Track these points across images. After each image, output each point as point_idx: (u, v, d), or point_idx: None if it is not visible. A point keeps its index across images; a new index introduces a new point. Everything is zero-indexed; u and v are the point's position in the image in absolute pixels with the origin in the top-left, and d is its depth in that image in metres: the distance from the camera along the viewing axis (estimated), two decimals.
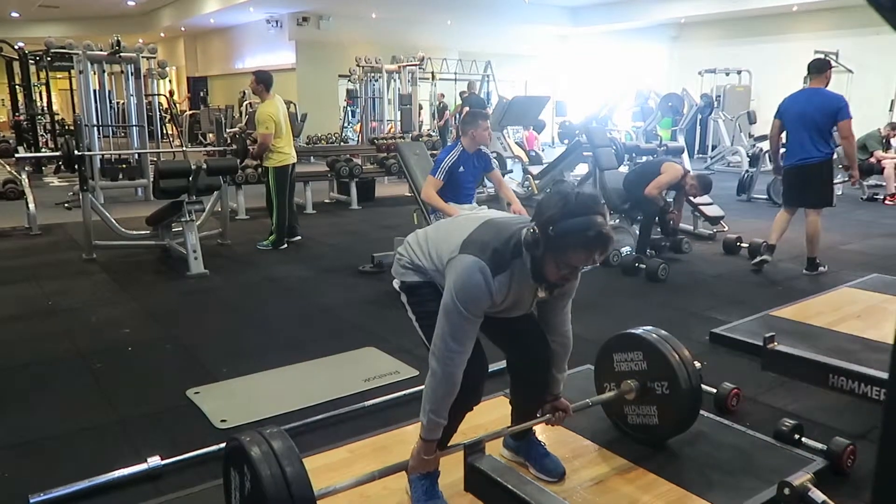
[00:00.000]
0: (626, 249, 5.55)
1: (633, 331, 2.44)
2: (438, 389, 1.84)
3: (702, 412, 2.70)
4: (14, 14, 18.61)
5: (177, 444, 2.51)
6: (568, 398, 2.25)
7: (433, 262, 1.95)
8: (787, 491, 2.02)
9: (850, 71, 13.70)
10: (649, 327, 2.46)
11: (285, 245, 6.11)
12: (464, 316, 1.79)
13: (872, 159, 8.97)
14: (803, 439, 2.43)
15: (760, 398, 2.95)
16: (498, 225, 1.92)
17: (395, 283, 2.09)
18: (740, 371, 3.21)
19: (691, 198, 5.80)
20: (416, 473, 1.98)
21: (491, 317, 1.94)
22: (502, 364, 2.38)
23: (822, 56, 5.19)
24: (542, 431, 2.42)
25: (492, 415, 2.56)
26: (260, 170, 6.45)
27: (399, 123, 11.88)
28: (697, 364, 2.32)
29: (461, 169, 4.18)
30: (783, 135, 5.13)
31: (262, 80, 5.96)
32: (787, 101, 5.03)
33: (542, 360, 2.11)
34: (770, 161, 5.32)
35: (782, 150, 5.29)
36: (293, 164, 6.14)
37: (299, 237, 6.39)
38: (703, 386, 2.90)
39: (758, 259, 5.25)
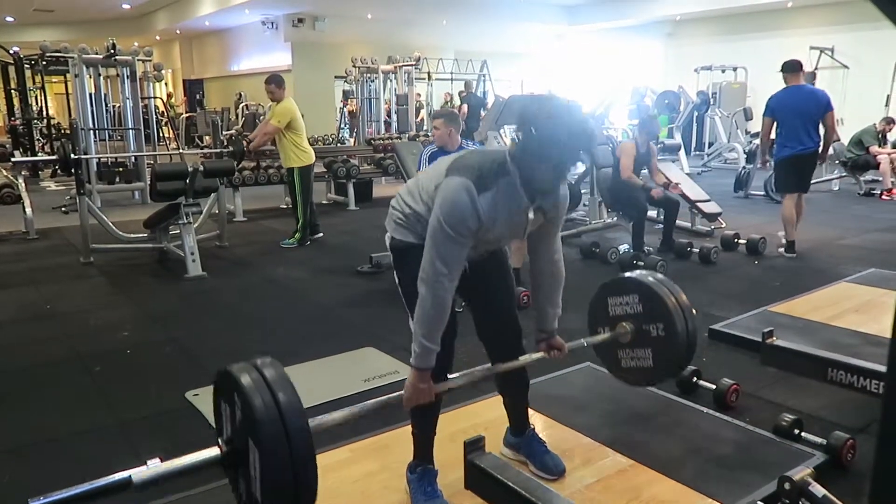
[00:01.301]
0: (624, 247, 5.55)
1: (629, 274, 2.43)
2: (428, 314, 1.83)
3: (701, 408, 2.72)
4: (9, 18, 18.57)
5: (176, 446, 2.51)
6: (559, 404, 2.26)
7: (424, 203, 1.93)
8: (787, 486, 2.03)
9: (845, 66, 13.73)
10: (645, 271, 2.45)
11: (308, 242, 6.23)
12: (450, 237, 1.79)
13: (868, 154, 8.98)
14: (803, 434, 2.44)
15: (760, 393, 2.96)
16: (482, 151, 2.08)
17: (387, 239, 2.08)
18: (739, 366, 3.21)
19: (655, 155, 5.84)
20: (411, 406, 1.91)
21: (471, 278, 1.99)
22: None
23: (798, 58, 5.56)
24: (542, 430, 2.43)
25: (491, 414, 2.56)
26: (283, 169, 6.59)
27: (395, 123, 11.89)
28: (694, 311, 2.30)
29: None
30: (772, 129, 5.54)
31: (280, 82, 6.05)
32: (779, 98, 5.38)
33: (508, 314, 2.15)
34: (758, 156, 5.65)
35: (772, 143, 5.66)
36: (314, 163, 6.24)
37: (321, 234, 6.52)
38: (703, 382, 2.93)
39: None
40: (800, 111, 5.25)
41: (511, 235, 2.01)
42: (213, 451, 1.62)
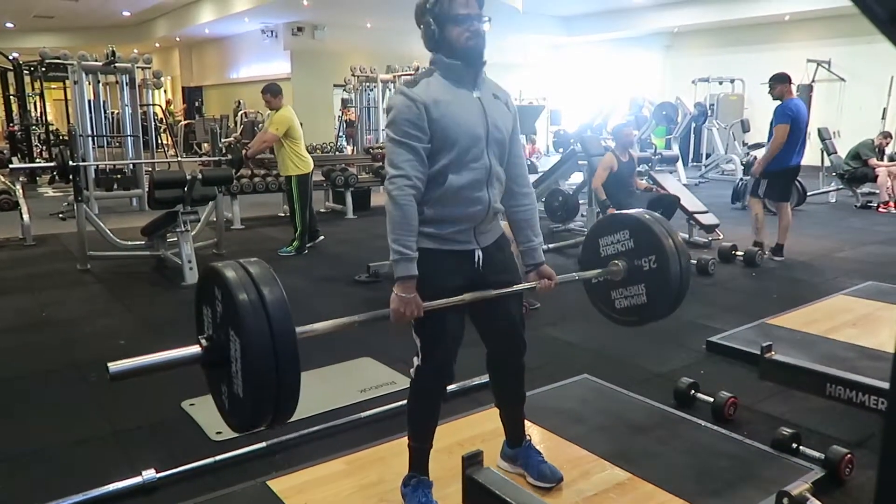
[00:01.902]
0: None
1: (619, 213, 2.44)
2: (393, 217, 1.86)
3: (699, 421, 2.71)
4: (9, 25, 18.59)
5: (172, 456, 2.49)
6: (557, 416, 2.24)
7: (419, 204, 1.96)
8: (785, 500, 2.02)
9: (842, 79, 13.80)
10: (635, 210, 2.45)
11: (306, 251, 6.22)
12: (396, 140, 1.86)
13: (866, 167, 9.02)
14: (801, 448, 2.43)
15: (758, 406, 2.95)
16: None
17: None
18: (737, 379, 3.21)
19: (631, 149, 5.91)
20: (399, 320, 1.89)
21: (478, 309, 2.00)
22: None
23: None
24: (538, 442, 2.41)
25: (488, 426, 2.55)
26: (281, 178, 6.56)
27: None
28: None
29: None
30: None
31: (277, 92, 6.08)
32: (797, 107, 5.50)
33: (516, 350, 2.14)
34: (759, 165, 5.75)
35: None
36: (312, 171, 6.25)
37: (322, 237, 6.55)
38: (700, 395, 2.92)
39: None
40: (804, 122, 5.52)
41: (473, 127, 1.92)
42: (194, 349, 1.59)
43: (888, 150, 9.57)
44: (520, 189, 2.11)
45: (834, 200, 9.58)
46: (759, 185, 5.68)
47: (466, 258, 1.99)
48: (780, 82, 5.52)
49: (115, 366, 1.49)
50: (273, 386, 1.42)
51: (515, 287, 2.07)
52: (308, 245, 6.28)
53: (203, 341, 1.60)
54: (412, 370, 2.04)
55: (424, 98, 1.86)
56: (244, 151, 6.72)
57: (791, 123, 5.40)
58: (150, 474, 2.31)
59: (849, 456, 2.30)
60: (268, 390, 1.43)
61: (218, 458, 2.45)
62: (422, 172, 1.88)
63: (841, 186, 9.56)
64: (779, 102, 5.50)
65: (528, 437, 2.32)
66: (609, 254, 2.35)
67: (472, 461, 2.12)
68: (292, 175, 6.05)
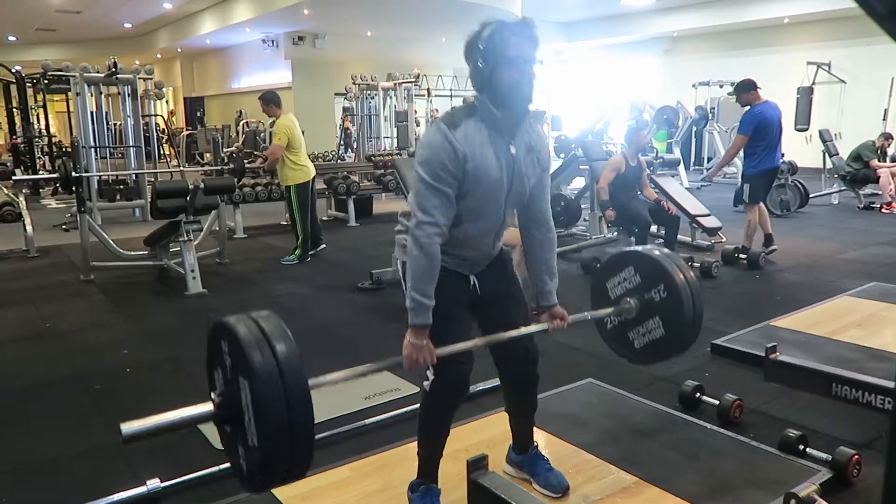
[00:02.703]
0: None
1: (619, 251, 2.42)
2: (415, 264, 1.82)
3: (705, 424, 2.70)
4: (11, 38, 18.70)
5: (176, 466, 2.49)
6: (562, 421, 2.24)
7: None
8: (793, 502, 2.01)
9: (842, 81, 13.81)
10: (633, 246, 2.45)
11: (308, 259, 6.22)
12: (428, 184, 1.80)
13: (868, 169, 9.01)
14: (808, 450, 2.42)
15: (763, 409, 2.94)
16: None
17: (399, 266, 2.07)
18: (743, 382, 3.19)
19: (641, 155, 5.91)
20: (412, 367, 1.86)
21: (486, 309, 1.98)
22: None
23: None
24: (544, 447, 2.41)
25: (494, 430, 2.54)
26: (282, 187, 6.55)
27: (396, 140, 11.94)
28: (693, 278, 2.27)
29: None
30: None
31: (270, 100, 6.06)
32: (761, 113, 5.54)
33: (528, 358, 2.11)
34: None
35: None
36: (314, 178, 6.24)
37: (324, 245, 6.53)
38: (706, 398, 2.91)
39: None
40: (777, 126, 5.56)
41: (505, 188, 1.91)
42: (206, 406, 1.58)
43: (890, 152, 9.56)
44: (539, 234, 2.08)
45: (836, 202, 9.56)
46: (743, 191, 5.82)
47: (463, 279, 2.02)
48: (744, 91, 5.61)
49: (127, 427, 1.49)
50: (286, 437, 1.42)
51: (526, 329, 2.05)
52: (310, 253, 6.29)
53: (215, 398, 1.59)
54: (426, 383, 2.00)
55: (464, 147, 1.80)
56: (262, 162, 6.71)
57: (756, 130, 5.47)
58: (154, 484, 2.31)
59: (856, 457, 2.29)
60: (282, 442, 1.43)
61: (222, 466, 2.44)
62: (450, 218, 1.85)
63: (843, 188, 9.55)
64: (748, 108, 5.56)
65: (535, 444, 2.30)
66: (619, 294, 2.33)
67: (477, 465, 2.11)
68: (290, 185, 6.05)
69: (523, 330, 2.03)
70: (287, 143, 5.91)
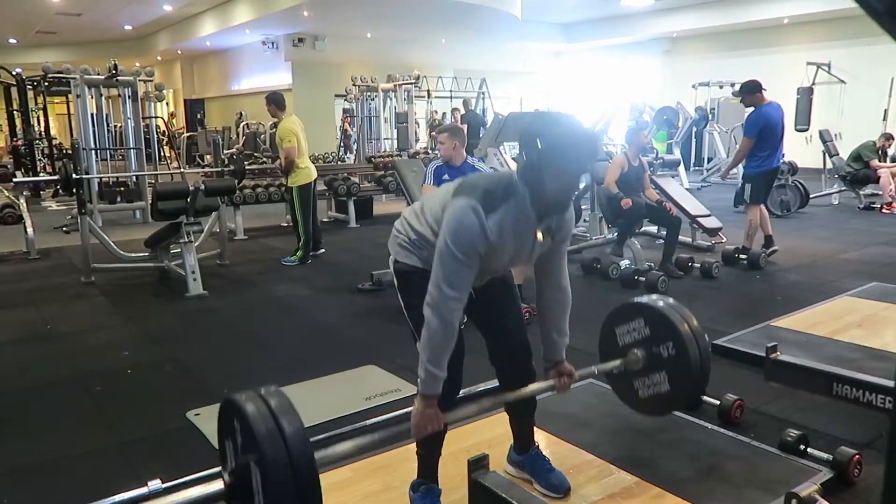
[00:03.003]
0: (625, 263, 5.55)
1: (631, 300, 2.39)
2: (434, 338, 1.79)
3: (706, 424, 2.70)
4: (12, 40, 18.72)
5: (177, 466, 2.49)
6: (563, 421, 2.24)
7: (429, 226, 1.92)
8: (794, 502, 2.01)
9: (842, 81, 13.82)
10: (646, 296, 2.42)
11: (310, 260, 6.23)
12: (458, 259, 1.76)
13: (868, 169, 9.01)
14: (809, 449, 2.42)
15: (764, 409, 2.94)
16: (490, 173, 2.08)
17: (391, 262, 2.06)
18: (743, 382, 3.19)
19: (642, 156, 5.93)
20: (420, 435, 1.88)
21: (478, 303, 1.99)
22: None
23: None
24: (545, 447, 2.41)
25: (494, 431, 2.54)
26: (283, 188, 6.53)
27: (396, 141, 11.95)
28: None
29: (445, 176, 4.25)
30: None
31: (274, 101, 6.11)
32: (766, 115, 5.50)
33: (522, 349, 2.12)
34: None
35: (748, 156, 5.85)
36: (315, 180, 6.25)
37: (323, 250, 6.55)
38: (706, 398, 2.91)
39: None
40: (780, 127, 5.57)
41: (516, 260, 1.96)
42: (217, 484, 1.61)
43: (890, 152, 9.56)
44: (552, 295, 2.08)
45: (837, 202, 9.56)
46: (744, 191, 5.80)
47: None
48: (749, 92, 5.58)
49: None
50: None
51: (531, 388, 2.07)
52: (311, 254, 6.29)
53: (226, 476, 1.61)
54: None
55: (494, 234, 1.78)
56: (280, 167, 6.70)
57: (761, 132, 5.47)
58: (155, 485, 2.30)
59: (857, 457, 2.29)
60: None
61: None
62: (469, 289, 1.86)
63: (844, 188, 9.54)
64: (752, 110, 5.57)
65: (535, 445, 2.31)
66: (626, 343, 2.32)
67: (478, 465, 2.11)
68: (292, 186, 6.09)
69: (530, 388, 2.07)
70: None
